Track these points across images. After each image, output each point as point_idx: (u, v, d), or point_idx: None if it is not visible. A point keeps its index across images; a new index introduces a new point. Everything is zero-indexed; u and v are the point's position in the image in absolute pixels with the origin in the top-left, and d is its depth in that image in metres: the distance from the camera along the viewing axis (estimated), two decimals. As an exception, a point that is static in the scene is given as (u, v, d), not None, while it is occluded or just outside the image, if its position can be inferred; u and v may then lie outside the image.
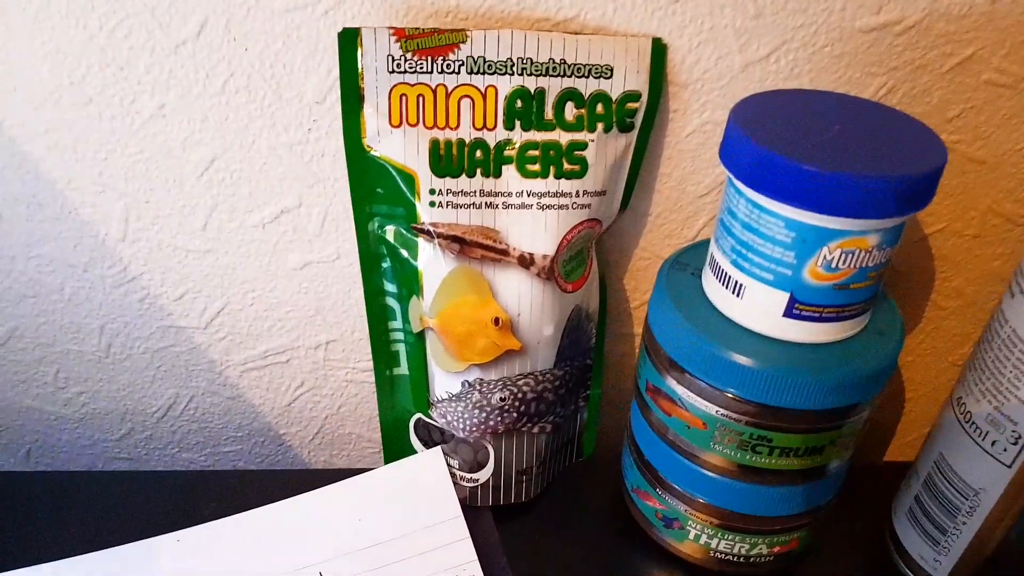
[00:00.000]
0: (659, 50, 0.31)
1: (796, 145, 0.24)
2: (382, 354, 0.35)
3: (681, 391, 0.29)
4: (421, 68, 0.29)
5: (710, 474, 0.30)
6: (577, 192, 0.31)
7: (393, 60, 0.29)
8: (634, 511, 0.35)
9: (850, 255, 0.25)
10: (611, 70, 0.30)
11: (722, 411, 0.28)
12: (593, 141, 0.31)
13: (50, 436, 0.44)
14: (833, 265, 0.25)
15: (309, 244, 0.36)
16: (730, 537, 0.32)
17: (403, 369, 0.35)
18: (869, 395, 0.28)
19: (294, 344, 0.40)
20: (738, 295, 0.28)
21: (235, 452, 0.46)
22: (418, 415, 0.36)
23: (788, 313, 0.27)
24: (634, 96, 0.31)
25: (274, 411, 0.43)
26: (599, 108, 0.31)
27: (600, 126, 0.31)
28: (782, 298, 0.27)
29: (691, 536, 0.32)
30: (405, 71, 0.29)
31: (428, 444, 0.36)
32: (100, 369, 0.41)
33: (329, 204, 0.35)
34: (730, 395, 0.28)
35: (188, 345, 0.40)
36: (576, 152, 0.31)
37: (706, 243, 0.33)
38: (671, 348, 0.29)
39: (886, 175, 0.23)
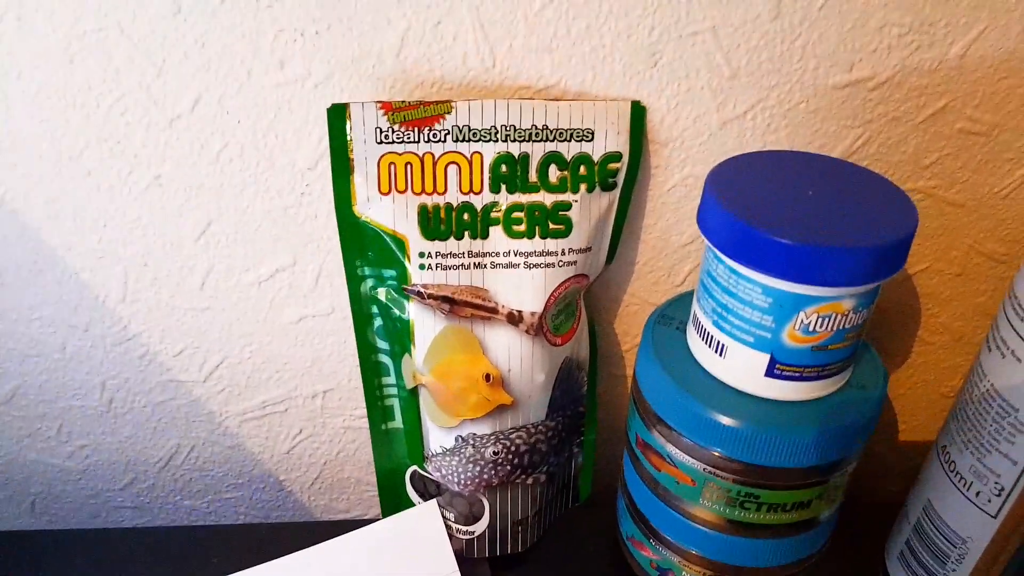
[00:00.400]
0: (638, 112, 0.31)
1: (771, 214, 0.25)
2: (376, 409, 0.36)
3: (670, 448, 0.30)
4: (408, 138, 0.30)
5: (701, 528, 0.31)
6: (563, 250, 0.32)
7: (381, 132, 0.30)
8: (630, 559, 0.36)
9: (827, 319, 0.26)
10: (592, 133, 0.31)
11: (709, 468, 0.29)
12: (577, 201, 0.32)
13: (54, 487, 0.45)
14: (810, 328, 0.26)
15: (304, 299, 0.37)
16: (721, 586, 0.32)
17: (398, 423, 0.36)
18: (853, 450, 0.28)
19: (291, 394, 0.41)
20: (721, 354, 0.28)
21: (236, 499, 0.46)
22: (414, 467, 0.36)
23: (769, 373, 0.27)
24: (615, 157, 0.32)
25: (274, 458, 0.44)
26: (582, 169, 0.31)
27: (583, 186, 0.32)
28: (763, 359, 0.27)
29: (684, 585, 0.33)
30: (393, 141, 0.30)
31: (424, 496, 0.37)
32: (102, 423, 0.42)
33: (323, 262, 0.36)
34: (716, 453, 0.28)
35: (188, 398, 0.41)
36: (561, 212, 0.32)
37: (690, 294, 0.34)
38: (658, 406, 0.30)
39: (857, 246, 0.24)
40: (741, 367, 0.28)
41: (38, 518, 0.46)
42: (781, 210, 0.26)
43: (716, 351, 0.29)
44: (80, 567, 0.38)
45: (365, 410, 0.42)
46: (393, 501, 0.38)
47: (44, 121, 0.31)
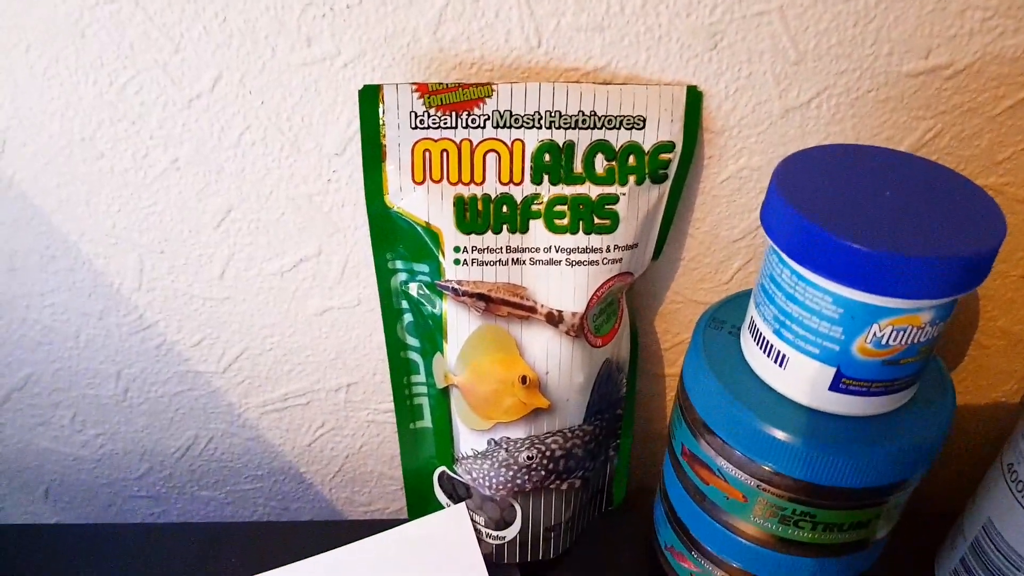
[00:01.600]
0: (694, 98, 0.29)
1: (845, 217, 0.23)
2: (404, 407, 0.34)
3: (720, 462, 0.28)
4: (445, 123, 0.28)
5: (748, 543, 0.29)
6: (608, 247, 0.30)
7: (416, 116, 0.28)
8: (668, 570, 0.34)
9: (902, 332, 0.24)
10: (643, 120, 0.29)
11: (762, 484, 0.27)
12: (624, 194, 0.29)
13: (68, 476, 0.44)
14: (883, 342, 0.24)
15: (329, 291, 0.35)
16: (768, 605, 0.30)
17: (427, 423, 0.34)
18: (919, 471, 0.27)
19: (314, 387, 0.39)
20: (781, 365, 0.26)
21: (255, 490, 0.45)
22: (442, 468, 0.35)
23: (834, 387, 0.25)
24: (668, 147, 0.29)
25: (295, 451, 0.43)
26: (631, 160, 0.29)
27: (632, 178, 0.29)
28: (828, 372, 0.25)
29: (727, 601, 0.31)
30: (428, 127, 0.28)
31: (453, 497, 0.35)
32: (118, 412, 0.40)
33: (349, 252, 0.34)
34: (770, 469, 0.26)
35: (206, 389, 0.39)
36: (607, 206, 0.29)
37: (743, 296, 0.32)
38: (708, 416, 0.28)
39: (943, 256, 0.22)
40: (803, 380, 0.26)
41: (52, 506, 0.45)
42: (857, 212, 0.23)
43: (776, 361, 0.26)
44: (96, 564, 0.36)
45: (390, 404, 0.40)
46: (420, 502, 0.36)
47: (54, 99, 0.29)
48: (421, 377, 0.33)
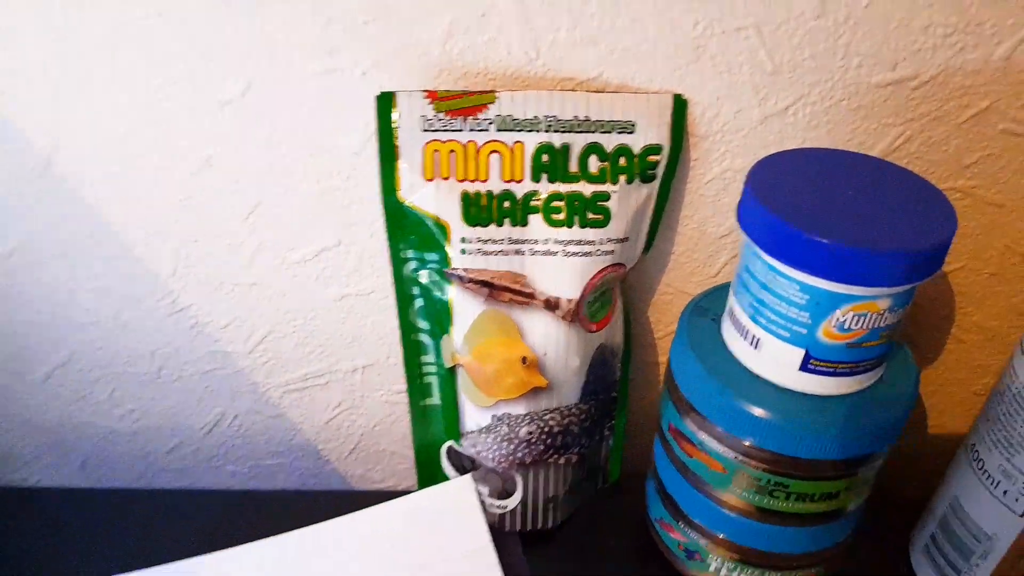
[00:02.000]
0: (680, 105, 0.32)
1: (810, 214, 0.26)
2: (416, 385, 0.37)
3: (702, 436, 0.31)
4: (453, 127, 0.31)
5: (730, 513, 0.32)
6: (601, 240, 0.33)
7: (426, 120, 0.31)
8: (658, 541, 0.37)
9: (862, 318, 0.26)
10: (633, 125, 0.32)
11: (740, 457, 0.30)
12: (616, 192, 0.32)
13: (104, 448, 0.47)
14: (846, 326, 0.27)
15: (347, 279, 0.39)
16: (749, 571, 0.33)
17: (436, 400, 0.37)
18: (882, 446, 0.29)
19: (332, 368, 0.43)
20: (756, 347, 0.29)
21: (276, 465, 0.48)
22: (450, 443, 0.38)
23: (803, 368, 0.28)
24: (655, 149, 0.32)
25: (313, 429, 0.46)
26: (622, 161, 0.32)
27: (623, 178, 0.32)
28: (797, 354, 0.28)
29: (712, 568, 0.34)
30: (438, 129, 0.31)
31: (459, 470, 0.38)
32: (152, 389, 0.44)
33: (366, 243, 0.37)
34: (747, 443, 0.29)
35: (233, 368, 0.43)
36: (600, 202, 0.32)
37: (726, 287, 0.34)
38: (692, 395, 0.30)
39: (896, 248, 0.24)
40: (776, 360, 0.29)
41: (88, 476, 0.49)
42: (821, 209, 0.26)
43: (751, 344, 0.29)
44: (125, 525, 0.40)
45: (403, 386, 0.43)
46: (429, 474, 0.39)
47: (102, 105, 0.32)
48: (431, 357, 0.36)
